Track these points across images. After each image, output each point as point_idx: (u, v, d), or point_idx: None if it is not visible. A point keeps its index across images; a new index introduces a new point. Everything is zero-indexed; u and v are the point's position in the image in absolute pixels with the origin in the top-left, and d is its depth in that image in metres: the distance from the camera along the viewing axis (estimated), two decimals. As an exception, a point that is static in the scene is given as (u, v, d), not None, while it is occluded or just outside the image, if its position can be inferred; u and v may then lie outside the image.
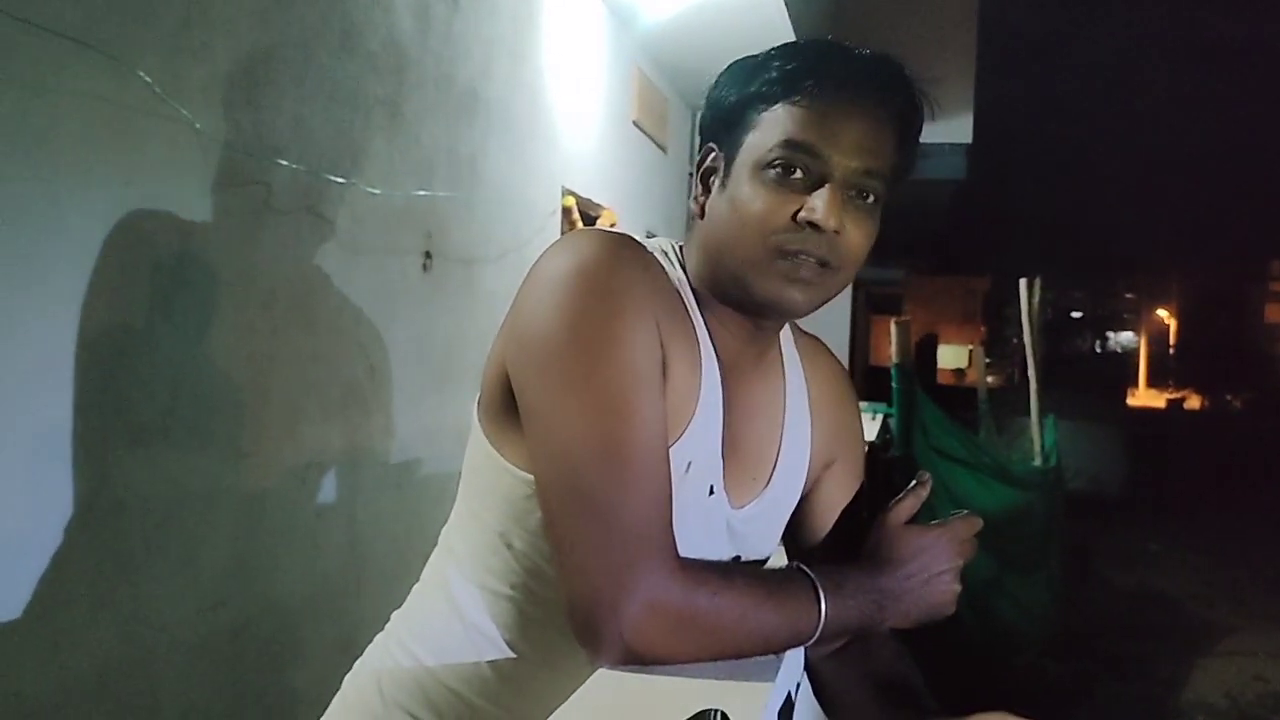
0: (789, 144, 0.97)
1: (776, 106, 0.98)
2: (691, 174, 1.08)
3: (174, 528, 1.93)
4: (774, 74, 0.99)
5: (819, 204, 0.96)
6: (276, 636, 2.28)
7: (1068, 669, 5.00)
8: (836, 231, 0.97)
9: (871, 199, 1.00)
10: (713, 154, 1.05)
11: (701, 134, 1.08)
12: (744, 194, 0.99)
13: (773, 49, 1.04)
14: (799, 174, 0.97)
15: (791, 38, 5.14)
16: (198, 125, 1.94)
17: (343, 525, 2.55)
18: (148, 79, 1.80)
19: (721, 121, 1.04)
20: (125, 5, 1.76)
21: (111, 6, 1.73)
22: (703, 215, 1.05)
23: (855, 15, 6.96)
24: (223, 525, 2.07)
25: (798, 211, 0.97)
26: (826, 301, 1.03)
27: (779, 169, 0.97)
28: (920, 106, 1.02)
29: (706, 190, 1.05)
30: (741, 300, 1.03)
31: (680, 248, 1.10)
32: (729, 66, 1.06)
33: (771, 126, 0.98)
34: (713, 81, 1.07)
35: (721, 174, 1.03)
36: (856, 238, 0.99)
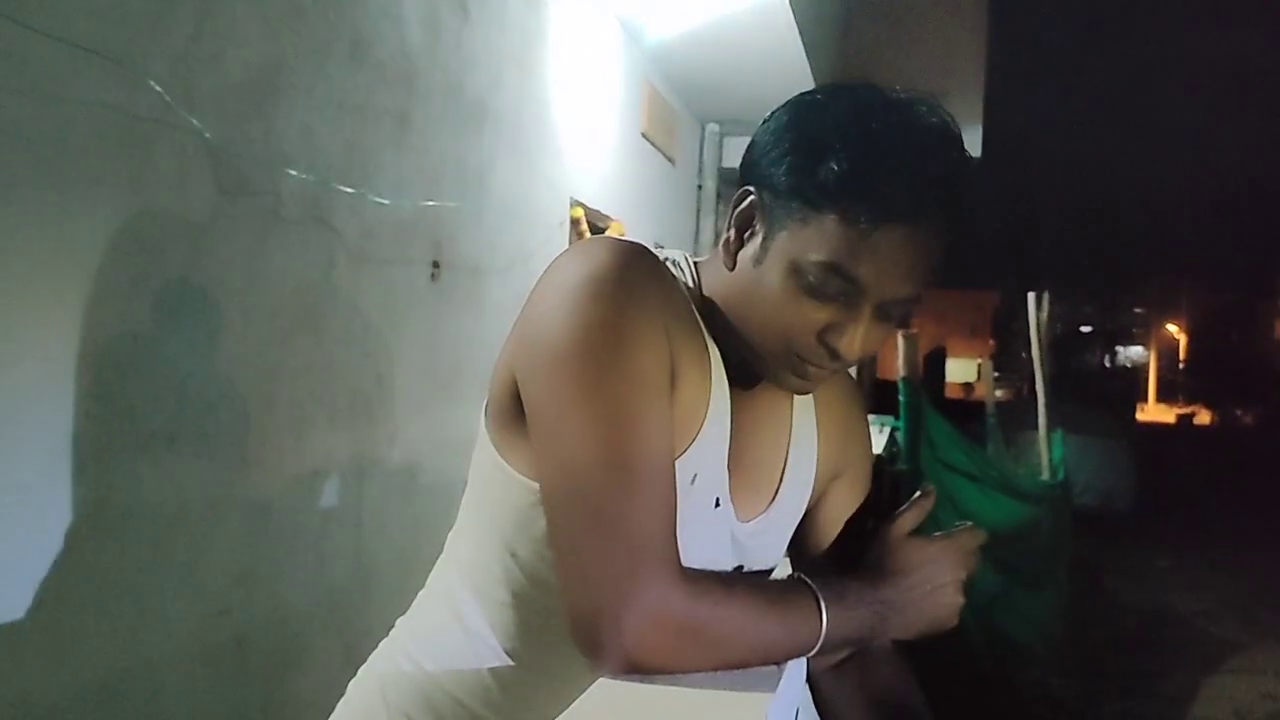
0: (833, 268, 0.91)
1: (829, 213, 0.90)
2: (730, 221, 0.99)
3: (180, 535, 1.93)
4: (835, 171, 0.89)
5: (845, 339, 0.94)
6: (281, 644, 2.28)
7: (1074, 685, 4.97)
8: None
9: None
10: (750, 199, 0.97)
11: (742, 171, 1.00)
12: (772, 288, 0.95)
13: (842, 119, 0.92)
14: (834, 292, 0.93)
15: (800, 54, 5.14)
16: (207, 135, 1.95)
17: (348, 534, 2.55)
18: (158, 88, 1.81)
19: (768, 180, 0.95)
20: (136, 15, 1.77)
21: (123, 16, 1.74)
22: (733, 264, 0.99)
23: (865, 31, 6.96)
24: (228, 533, 2.08)
25: (824, 329, 0.94)
26: None
27: (815, 283, 0.92)
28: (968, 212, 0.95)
29: (740, 239, 0.99)
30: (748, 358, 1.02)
31: (696, 263, 1.07)
32: (789, 109, 0.97)
33: (819, 235, 0.91)
34: (766, 120, 0.98)
35: (758, 238, 0.97)
36: (870, 347, 0.97)
